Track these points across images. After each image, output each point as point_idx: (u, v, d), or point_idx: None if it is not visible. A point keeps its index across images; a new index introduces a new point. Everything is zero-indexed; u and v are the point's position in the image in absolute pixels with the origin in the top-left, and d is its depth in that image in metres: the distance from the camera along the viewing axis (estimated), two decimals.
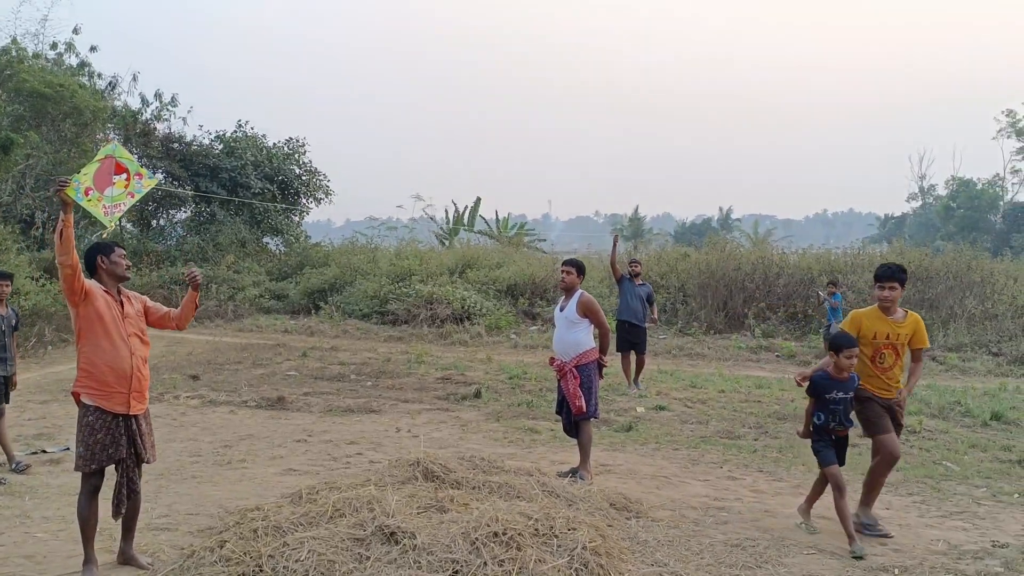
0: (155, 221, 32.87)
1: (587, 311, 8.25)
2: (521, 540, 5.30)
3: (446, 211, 47.54)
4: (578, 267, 8.54)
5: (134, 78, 31.48)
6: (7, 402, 8.81)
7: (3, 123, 24.09)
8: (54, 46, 30.37)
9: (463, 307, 22.94)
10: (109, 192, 5.64)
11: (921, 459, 9.39)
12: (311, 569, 5.12)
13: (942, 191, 67.73)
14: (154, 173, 32.38)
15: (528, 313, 23.74)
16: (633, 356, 13.84)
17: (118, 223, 5.73)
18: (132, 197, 5.66)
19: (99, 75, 30.67)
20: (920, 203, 71.51)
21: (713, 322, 21.62)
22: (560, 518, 5.68)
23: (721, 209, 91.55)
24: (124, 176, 5.67)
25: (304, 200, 35.25)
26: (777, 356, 18.41)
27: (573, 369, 8.19)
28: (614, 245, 14.14)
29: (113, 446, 5.59)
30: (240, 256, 29.62)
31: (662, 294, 22.82)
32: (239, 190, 32.01)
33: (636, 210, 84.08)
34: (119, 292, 5.79)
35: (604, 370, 8.47)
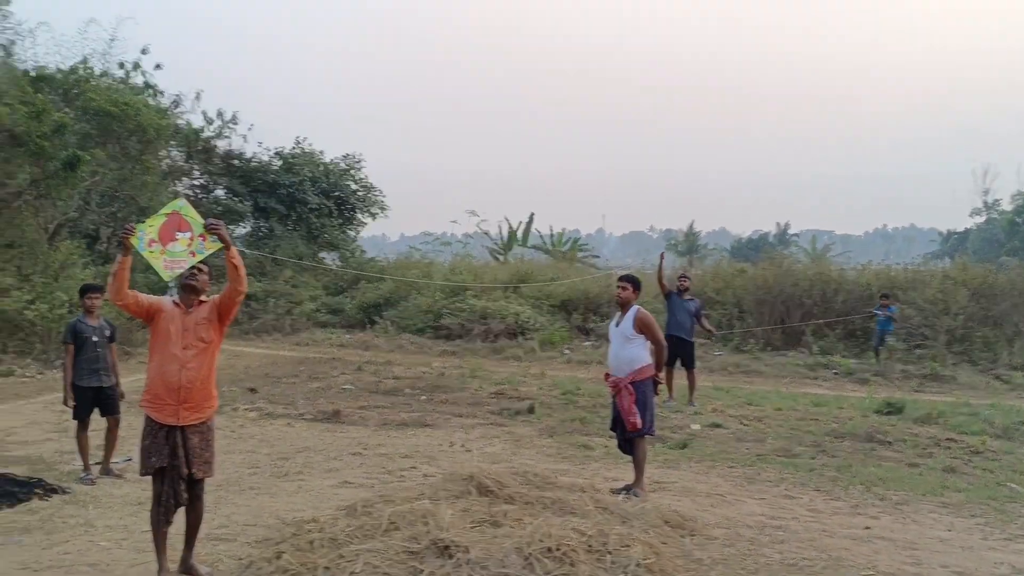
0: None
1: (643, 327, 8.23)
2: (575, 556, 5.30)
3: (499, 227, 47.58)
4: (634, 283, 8.53)
5: (197, 96, 32.02)
6: (115, 413, 9.01)
7: (71, 141, 24.61)
8: (121, 65, 31.03)
9: (517, 322, 23.00)
10: (171, 247, 5.74)
11: (985, 480, 9.20)
12: None
13: (1007, 206, 66.34)
14: (215, 189, 33.01)
15: (582, 328, 23.72)
16: (681, 372, 13.76)
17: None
18: (193, 256, 5.76)
19: (163, 93, 31.27)
20: (984, 218, 70.06)
21: (770, 339, 21.41)
22: (614, 535, 5.67)
23: (778, 224, 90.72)
24: (188, 235, 5.77)
25: (360, 215, 35.60)
26: (835, 373, 18.16)
27: (628, 385, 8.16)
28: (661, 260, 14.10)
29: (157, 455, 5.69)
30: (297, 271, 29.97)
31: (718, 310, 22.64)
32: (297, 206, 32.44)
33: (691, 225, 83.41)
34: (193, 303, 5.88)
35: (659, 387, 8.44)
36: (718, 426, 11.94)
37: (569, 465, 9.63)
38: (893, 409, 12.90)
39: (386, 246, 72.82)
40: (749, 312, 22.37)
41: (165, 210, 5.91)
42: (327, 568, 5.36)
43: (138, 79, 30.51)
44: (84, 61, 29.06)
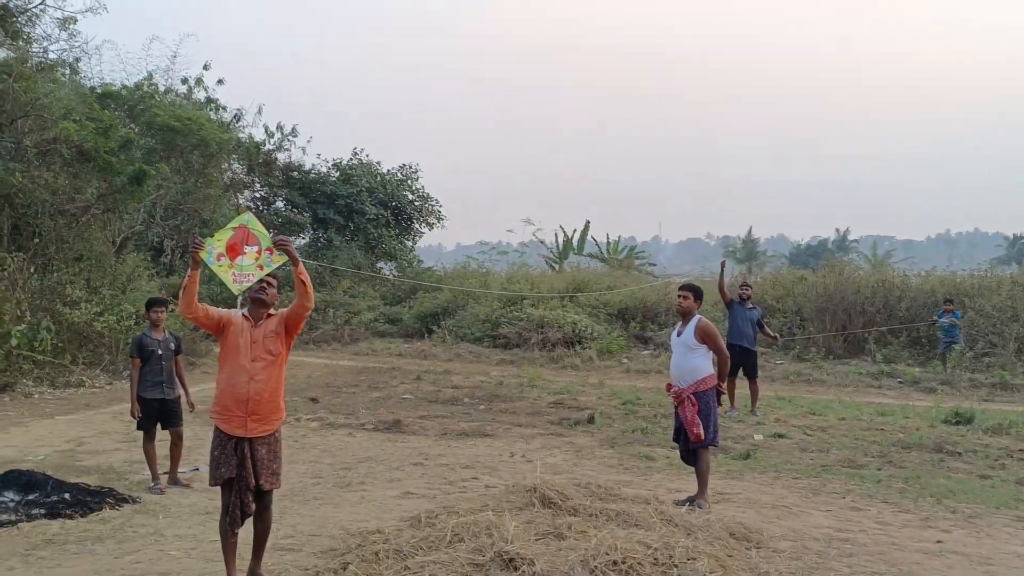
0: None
1: (705, 336, 8.17)
2: (641, 569, 5.29)
3: (555, 235, 47.56)
4: (695, 292, 8.47)
5: (259, 111, 32.59)
6: (178, 425, 9.16)
7: (136, 156, 25.11)
8: (184, 81, 31.68)
9: (574, 331, 22.94)
10: (240, 261, 5.83)
11: None
12: None
13: None
14: (275, 201, 33.44)
15: (640, 337, 23.59)
16: (743, 381, 13.64)
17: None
18: (261, 270, 5.84)
19: (225, 108, 31.85)
20: None
21: (832, 347, 21.12)
22: (679, 547, 5.64)
23: (838, 230, 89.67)
24: (256, 248, 5.85)
25: (417, 225, 35.87)
26: (900, 382, 17.84)
27: (691, 396, 8.11)
28: (722, 269, 14.00)
29: (225, 465, 5.77)
30: (355, 281, 30.24)
31: (778, 318, 22.41)
32: (354, 216, 32.79)
33: (750, 232, 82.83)
34: (262, 316, 5.95)
35: (722, 397, 8.38)
36: (781, 436, 11.80)
37: (631, 476, 9.58)
38: (962, 419, 12.65)
39: (442, 255, 73.20)
40: (810, 320, 22.09)
41: (232, 224, 6.00)
42: None
43: (200, 94, 31.13)
44: (148, 77, 29.71)
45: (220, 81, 31.17)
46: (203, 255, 5.83)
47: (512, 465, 10.08)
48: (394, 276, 33.22)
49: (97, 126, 22.13)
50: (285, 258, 5.87)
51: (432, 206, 36.12)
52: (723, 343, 8.33)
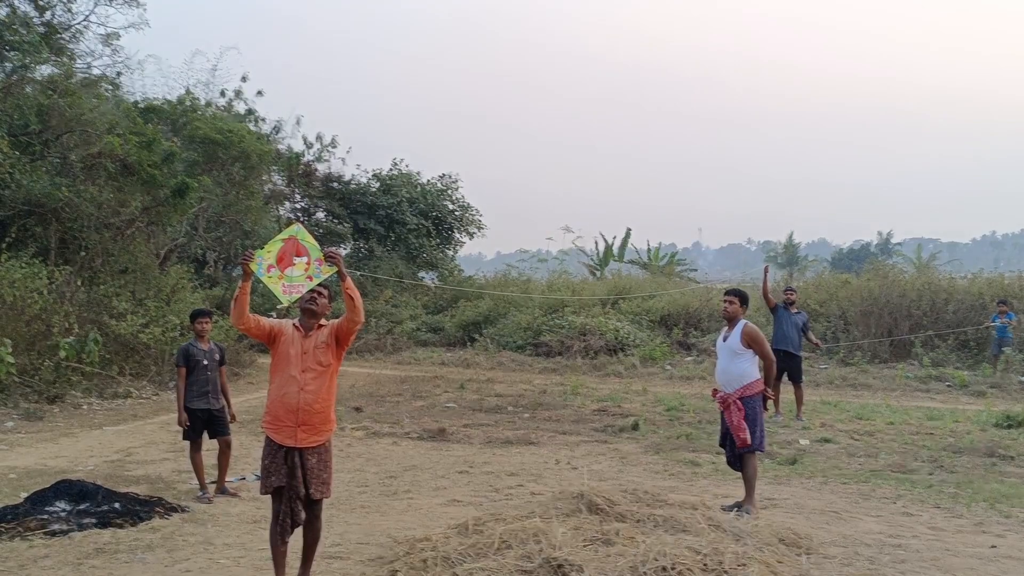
0: None
1: (751, 341, 8.11)
2: (690, 575, 5.23)
3: (595, 242, 47.50)
4: (741, 297, 8.41)
5: (297, 121, 32.87)
6: (225, 434, 9.26)
7: (179, 169, 25.41)
8: (223, 93, 32.02)
9: (616, 338, 22.86)
10: (289, 272, 5.87)
11: None
12: None
13: None
14: (315, 212, 33.68)
15: (683, 344, 23.43)
16: (788, 386, 13.51)
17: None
18: (311, 280, 5.88)
19: (263, 119, 32.14)
20: None
21: (877, 351, 20.85)
22: (729, 553, 5.59)
23: (880, 233, 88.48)
24: (305, 260, 5.89)
25: (457, 234, 35.97)
26: (948, 386, 17.58)
27: (737, 401, 8.04)
28: (765, 275, 13.89)
29: (276, 474, 5.80)
30: (397, 291, 30.35)
31: (822, 323, 22.20)
32: (395, 226, 32.94)
33: (790, 236, 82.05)
34: (313, 327, 5.98)
35: (768, 402, 8.30)
36: (828, 441, 11.68)
37: (677, 482, 9.52)
38: (1013, 422, 12.44)
39: (483, 264, 73.30)
40: (854, 324, 21.83)
41: (282, 236, 6.03)
42: None
43: (240, 106, 31.45)
44: (188, 92, 30.06)
45: (259, 93, 31.48)
46: (253, 267, 5.88)
47: (557, 472, 10.06)
48: (435, 284, 33.29)
49: (140, 140, 22.41)
50: (334, 269, 5.89)
51: (472, 215, 36.19)
52: (769, 348, 8.25)
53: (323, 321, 6.03)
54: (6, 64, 24.27)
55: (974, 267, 32.93)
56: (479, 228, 36.34)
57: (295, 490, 5.85)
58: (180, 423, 9.11)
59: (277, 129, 32.04)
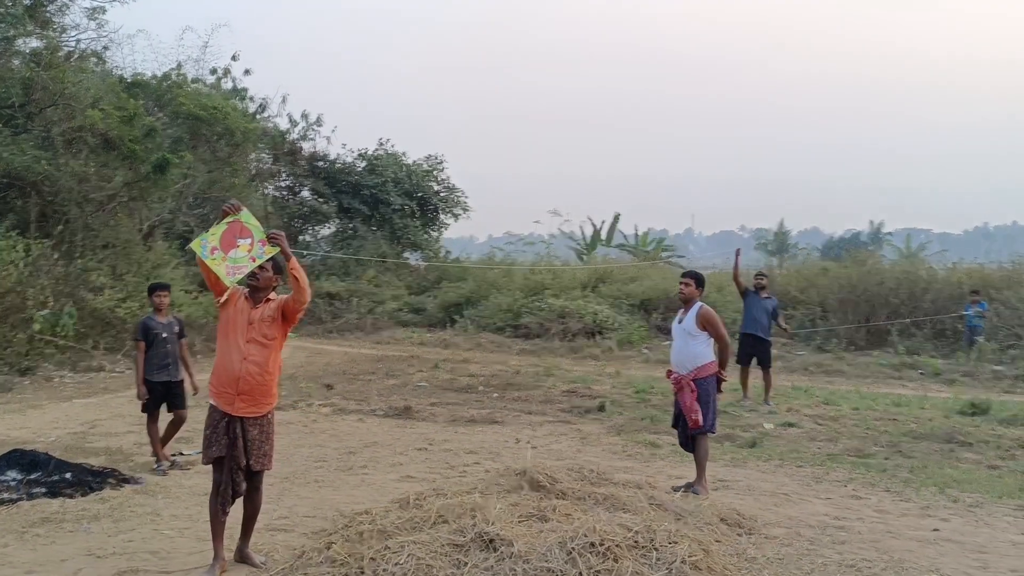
0: (301, 237, 34.00)
1: (706, 323, 8.13)
2: (618, 552, 5.25)
3: (580, 227, 47.51)
4: (697, 279, 8.44)
5: (283, 100, 32.72)
6: (182, 407, 9.26)
7: (162, 144, 25.31)
8: (213, 71, 31.85)
9: (595, 321, 22.89)
10: (233, 254, 5.86)
11: None
12: (409, 572, 5.20)
13: None
14: (300, 190, 33.59)
15: (662, 328, 23.44)
16: (756, 371, 13.55)
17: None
18: (253, 262, 5.86)
19: (251, 97, 31.96)
20: None
21: (854, 338, 20.92)
22: (662, 531, 5.60)
23: (872, 223, 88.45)
24: (249, 241, 5.87)
25: (442, 216, 35.92)
26: (921, 374, 17.64)
27: (691, 383, 8.07)
28: (737, 258, 13.91)
29: (216, 444, 5.82)
30: (380, 271, 30.30)
31: (801, 310, 22.28)
32: (380, 206, 32.86)
33: (781, 224, 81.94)
34: (261, 300, 5.98)
35: (723, 384, 8.33)
36: (791, 425, 11.73)
37: (634, 463, 9.57)
38: (978, 410, 12.49)
39: (473, 247, 73.16)
40: (832, 311, 21.89)
41: (227, 220, 6.02)
42: (372, 559, 5.40)
43: (228, 84, 31.30)
44: (177, 67, 29.91)
45: (247, 71, 31.28)
46: (195, 248, 5.89)
47: (516, 451, 10.09)
48: (418, 263, 33.19)
49: (122, 115, 22.33)
50: (277, 249, 5.87)
51: (458, 197, 36.08)
52: (725, 330, 8.27)
53: (272, 295, 6.04)
54: None
55: (966, 258, 32.95)
56: (464, 210, 36.27)
57: (236, 460, 5.87)
58: (139, 396, 9.12)
59: (263, 107, 31.92)
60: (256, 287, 5.94)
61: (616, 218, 49.92)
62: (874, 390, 15.53)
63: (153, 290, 9.54)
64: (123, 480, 8.20)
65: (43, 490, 7.60)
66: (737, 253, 13.92)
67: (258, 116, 31.45)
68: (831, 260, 36.55)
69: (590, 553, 5.22)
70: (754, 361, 13.60)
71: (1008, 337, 19.00)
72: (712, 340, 8.18)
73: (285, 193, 33.93)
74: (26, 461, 8.02)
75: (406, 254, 34.78)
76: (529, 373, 16.94)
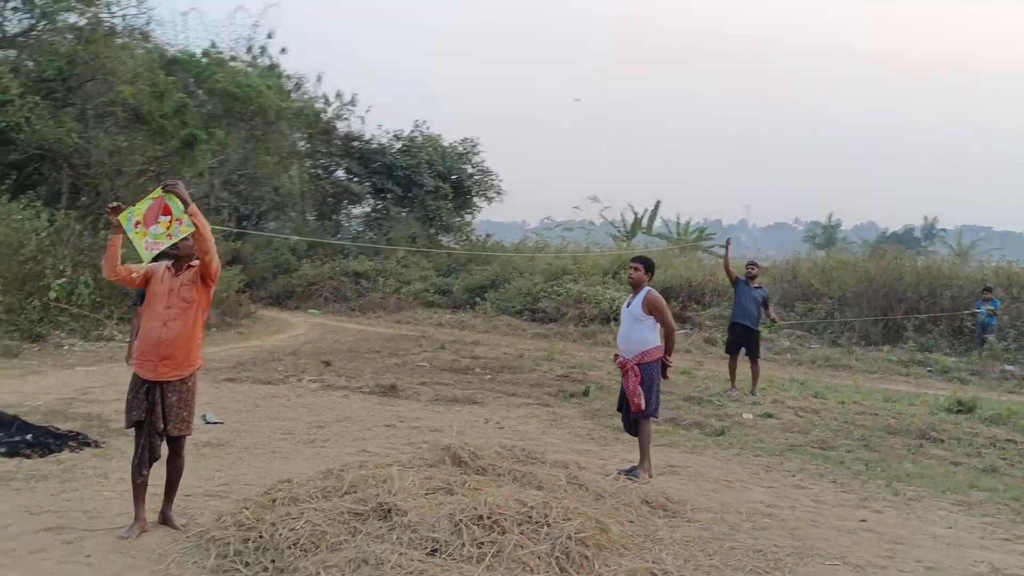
0: (334, 216, 34.43)
1: (652, 308, 8.20)
2: (505, 525, 5.40)
3: (621, 214, 47.41)
4: (646, 264, 8.51)
5: (318, 79, 33.15)
6: None
7: (194, 121, 25.77)
8: (249, 49, 32.35)
9: (612, 308, 22.91)
10: (153, 230, 6.07)
11: (1022, 482, 8.79)
12: (302, 537, 5.41)
13: None
14: (335, 170, 33.94)
15: (679, 316, 23.40)
16: (744, 361, 13.52)
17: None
18: (170, 239, 6.06)
19: (287, 76, 32.43)
20: None
21: (869, 333, 20.73)
22: (558, 508, 5.73)
23: (925, 218, 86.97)
24: (168, 218, 6.08)
25: (476, 199, 36.09)
26: (929, 371, 17.47)
27: (635, 367, 8.16)
28: (727, 248, 13.91)
29: (136, 409, 6.05)
30: (411, 252, 30.61)
31: (824, 302, 22.11)
32: (413, 188, 33.12)
33: (830, 217, 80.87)
34: (182, 267, 6.21)
35: (669, 370, 8.40)
36: (770, 416, 11.72)
37: (593, 446, 9.68)
38: (963, 408, 12.38)
39: (526, 231, 73.12)
40: (849, 305, 21.70)
41: (153, 195, 6.23)
42: (273, 524, 5.62)
43: (265, 62, 31.78)
44: (213, 45, 30.45)
45: (283, 50, 31.79)
46: (122, 220, 6.09)
47: (482, 430, 10.25)
48: (448, 247, 33.39)
49: (152, 90, 22.78)
50: (192, 228, 6.03)
51: (492, 180, 36.25)
52: (670, 316, 8.34)
53: (193, 262, 6.24)
54: (36, 10, 24.80)
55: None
56: (498, 193, 36.42)
57: (154, 425, 6.09)
58: (127, 361, 9.36)
59: (298, 86, 32.36)
60: (178, 256, 6.15)
61: (657, 205, 49.68)
62: (875, 385, 15.42)
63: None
64: (84, 443, 8.48)
65: (2, 449, 7.90)
66: (727, 243, 13.94)
67: (293, 95, 31.86)
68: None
69: (476, 525, 5.37)
70: (741, 351, 13.56)
71: (1022, 337, 18.71)
72: (659, 325, 8.25)
73: (319, 172, 34.31)
74: None
75: (442, 236, 35.01)
76: (532, 357, 17.06)
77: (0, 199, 18.02)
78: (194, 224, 5.96)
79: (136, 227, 6.10)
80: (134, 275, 6.23)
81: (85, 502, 6.79)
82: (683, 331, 22.06)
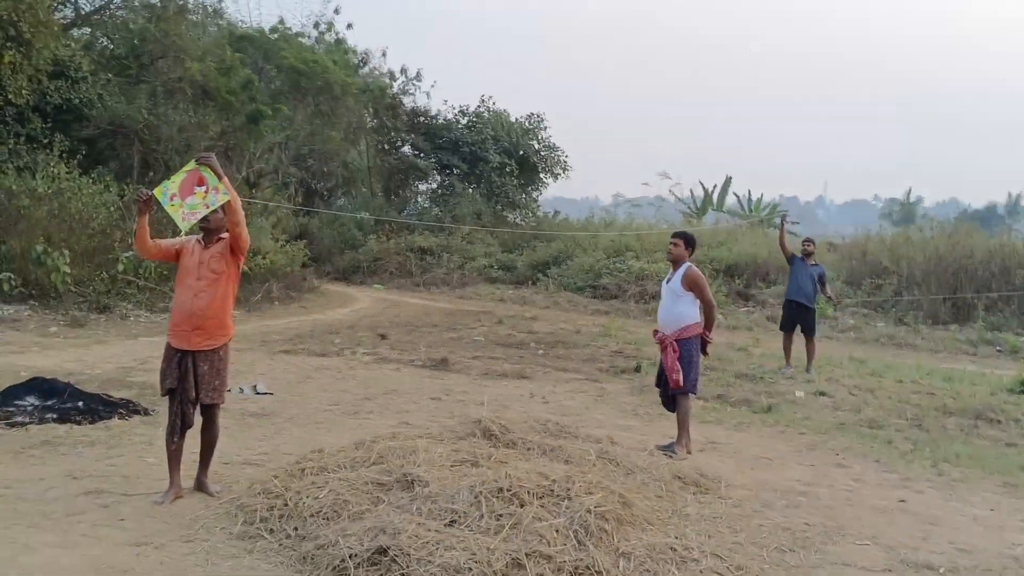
0: (401, 191, 34.68)
1: (692, 285, 8.14)
2: (525, 497, 5.42)
3: (691, 191, 46.91)
4: (687, 239, 8.43)
5: (383, 54, 33.38)
6: None
7: (261, 96, 26.16)
8: (316, 25, 32.70)
9: None
10: (190, 201, 6.21)
11: None
12: (325, 506, 5.50)
13: None
14: (401, 146, 34.16)
15: (742, 294, 23.21)
16: (800, 338, 13.29)
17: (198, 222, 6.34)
18: (207, 208, 6.19)
19: (354, 51, 32.67)
20: None
21: (937, 312, 20.25)
22: (581, 482, 5.72)
23: (1009, 195, 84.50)
24: (204, 188, 6.21)
25: (542, 175, 36.02)
26: (998, 350, 17.04)
27: (674, 343, 8.10)
28: (783, 224, 13.68)
29: (169, 377, 6.19)
30: (476, 228, 30.72)
31: (893, 280, 21.66)
32: (479, 164, 33.18)
33: (908, 193, 79.04)
34: (212, 240, 6.34)
35: (708, 346, 8.33)
36: (823, 394, 11.54)
37: (636, 422, 9.66)
38: None
39: (597, 209, 72.85)
40: (918, 283, 21.21)
41: (187, 167, 6.38)
42: (298, 492, 5.72)
43: (331, 37, 32.07)
44: (281, 21, 30.81)
45: (349, 26, 32.07)
46: (158, 194, 6.25)
47: (527, 404, 10.27)
48: (513, 224, 33.40)
49: (219, 66, 23.17)
50: (228, 197, 6.16)
51: (558, 156, 36.11)
52: (710, 292, 8.26)
53: (223, 234, 6.35)
54: None
55: None
56: (564, 169, 36.27)
57: (186, 393, 6.23)
58: None
59: (364, 61, 32.61)
60: (208, 229, 6.27)
61: (728, 181, 49.05)
62: (939, 364, 15.07)
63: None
64: (134, 411, 8.71)
65: (54, 416, 8.16)
66: (783, 219, 13.71)
67: (359, 70, 32.11)
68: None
69: (496, 498, 5.40)
70: (796, 328, 13.35)
71: None
72: (698, 301, 8.17)
73: (386, 147, 34.54)
74: (45, 388, 8.61)
75: (506, 213, 35.08)
76: (588, 333, 17.04)
77: (71, 174, 18.54)
78: (226, 193, 6.08)
79: (172, 200, 6.23)
80: (166, 248, 6.37)
81: (127, 467, 6.98)
82: (745, 308, 21.87)
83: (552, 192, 37.51)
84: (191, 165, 6.33)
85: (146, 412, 8.79)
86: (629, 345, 15.39)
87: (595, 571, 4.94)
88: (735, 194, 49.84)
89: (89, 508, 5.95)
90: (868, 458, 8.44)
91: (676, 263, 8.33)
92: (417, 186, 35.48)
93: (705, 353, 8.35)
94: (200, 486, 6.44)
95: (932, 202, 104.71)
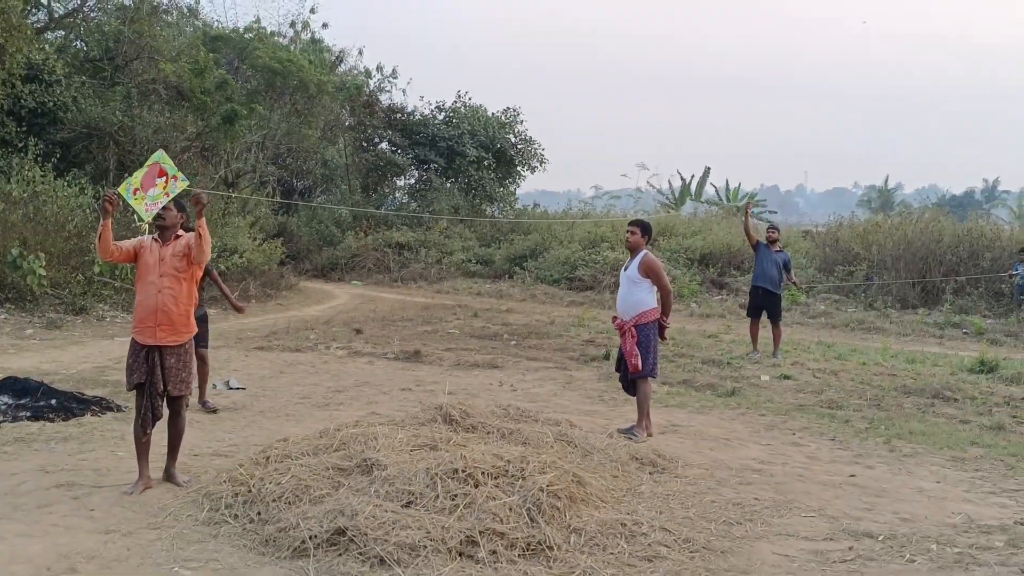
0: (378, 188, 34.81)
1: (648, 271, 8.36)
2: (479, 478, 5.62)
3: (669, 182, 47.26)
4: (643, 227, 8.64)
5: (360, 52, 33.53)
6: (204, 345, 9.46)
7: (236, 96, 26.23)
8: (292, 24, 32.80)
9: None
10: (152, 192, 6.42)
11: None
12: (287, 491, 5.68)
13: None
14: (378, 143, 34.29)
15: (716, 283, 23.47)
16: (766, 325, 13.56)
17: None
18: (167, 196, 6.41)
19: (330, 50, 32.77)
20: None
21: (907, 297, 20.56)
22: (535, 462, 5.93)
23: (985, 180, 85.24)
24: (164, 179, 6.42)
25: (519, 168, 36.20)
26: (964, 333, 17.32)
27: (632, 328, 8.32)
28: (747, 211, 13.93)
29: (137, 372, 6.36)
30: (454, 222, 30.86)
31: (863, 266, 21.95)
32: (456, 158, 33.33)
33: (886, 180, 79.68)
34: (170, 238, 6.50)
35: (666, 331, 8.55)
36: (787, 378, 11.80)
37: (601, 407, 9.88)
38: (985, 368, 12.34)
39: (577, 201, 73.05)
40: (886, 268, 21.52)
41: (149, 161, 6.59)
42: (262, 479, 5.91)
43: (307, 36, 32.18)
44: (257, 20, 30.89)
45: (325, 25, 32.24)
46: (122, 190, 6.46)
47: (495, 393, 10.46)
48: (495, 218, 33.54)
49: (193, 67, 23.25)
50: (187, 183, 6.36)
51: (535, 149, 36.29)
52: (666, 279, 8.49)
53: (180, 232, 6.53)
54: None
55: None
56: (541, 162, 36.46)
57: (155, 387, 6.40)
58: None
59: (340, 59, 32.70)
60: (163, 226, 6.44)
61: (706, 172, 49.52)
62: (905, 348, 15.33)
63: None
64: (107, 408, 8.87)
65: (28, 414, 8.32)
66: (747, 207, 13.95)
67: (335, 68, 32.21)
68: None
69: (451, 478, 5.61)
70: (763, 315, 13.60)
71: None
72: (655, 288, 8.39)
73: (363, 144, 34.65)
74: (18, 387, 8.75)
75: (485, 207, 35.24)
76: (562, 324, 17.25)
77: (47, 177, 18.63)
78: (199, 233, 6.23)
79: (135, 194, 6.43)
80: (126, 249, 6.48)
81: (99, 461, 7.14)
82: (719, 296, 22.12)
83: (535, 185, 37.90)
84: (152, 159, 6.52)
85: (119, 408, 8.95)
86: (600, 334, 15.60)
87: (546, 546, 5.16)
88: (712, 184, 50.33)
89: (60, 500, 6.12)
90: (824, 437, 8.69)
91: (633, 251, 8.55)
92: (395, 182, 35.63)
93: (663, 338, 8.58)
94: (169, 476, 6.62)
95: (912, 188, 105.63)
